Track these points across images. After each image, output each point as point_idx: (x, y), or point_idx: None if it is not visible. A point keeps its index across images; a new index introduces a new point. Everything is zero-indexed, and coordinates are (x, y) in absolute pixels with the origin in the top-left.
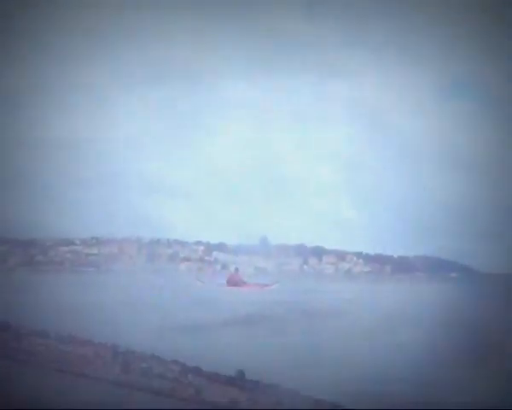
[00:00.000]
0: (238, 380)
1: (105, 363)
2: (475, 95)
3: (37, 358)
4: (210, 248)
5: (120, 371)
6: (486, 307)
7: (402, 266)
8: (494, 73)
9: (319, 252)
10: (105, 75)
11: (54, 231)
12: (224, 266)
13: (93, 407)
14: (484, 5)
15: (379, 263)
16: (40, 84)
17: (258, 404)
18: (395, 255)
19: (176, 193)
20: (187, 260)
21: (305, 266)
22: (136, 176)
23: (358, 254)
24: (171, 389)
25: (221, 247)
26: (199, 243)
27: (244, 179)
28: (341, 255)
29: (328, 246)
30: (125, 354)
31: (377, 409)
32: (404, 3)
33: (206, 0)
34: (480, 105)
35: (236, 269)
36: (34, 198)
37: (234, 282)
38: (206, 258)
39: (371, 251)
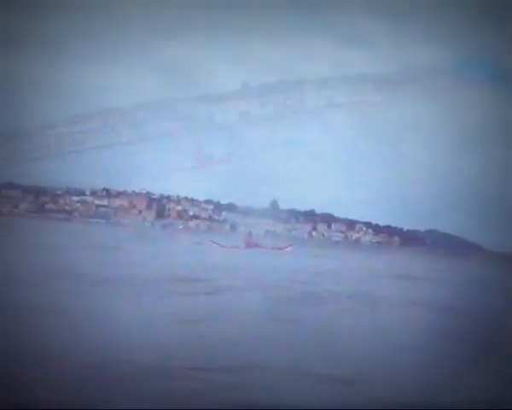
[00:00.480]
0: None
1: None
2: (487, 72)
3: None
4: (219, 207)
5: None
6: (489, 291)
7: (411, 239)
8: (503, 51)
9: (328, 219)
10: None
11: (65, 181)
12: (233, 227)
13: None
14: None
15: (388, 234)
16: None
17: None
18: (404, 228)
19: (187, 154)
20: (196, 217)
21: (314, 233)
22: (149, 133)
23: (368, 224)
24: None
25: (231, 207)
26: (209, 201)
27: (255, 142)
28: (351, 224)
29: (337, 214)
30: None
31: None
32: None
33: None
34: (490, 82)
35: (250, 233)
36: (46, 147)
37: (250, 244)
38: (216, 217)
39: (381, 222)
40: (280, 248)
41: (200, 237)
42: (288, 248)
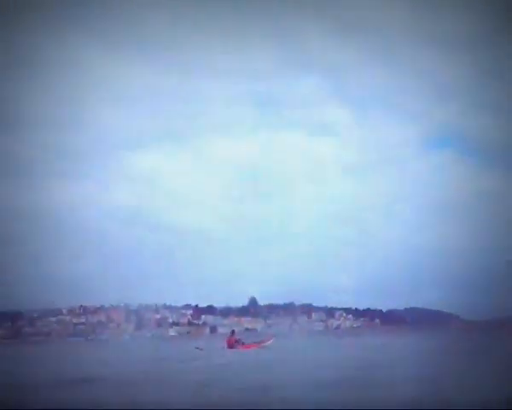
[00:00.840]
0: None
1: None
2: (458, 144)
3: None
4: (198, 311)
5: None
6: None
7: (391, 319)
8: (474, 124)
9: (308, 309)
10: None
11: (41, 302)
12: (213, 329)
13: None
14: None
15: (368, 317)
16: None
17: None
18: (384, 309)
19: (160, 256)
20: (175, 324)
21: (294, 325)
22: (122, 242)
23: (347, 310)
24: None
25: (210, 310)
26: (187, 306)
27: (230, 240)
28: (330, 312)
29: (316, 303)
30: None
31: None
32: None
33: None
34: (460, 156)
35: (233, 331)
36: (20, 268)
37: (232, 344)
38: (195, 321)
39: (360, 306)
40: (262, 342)
41: (181, 343)
42: (270, 342)
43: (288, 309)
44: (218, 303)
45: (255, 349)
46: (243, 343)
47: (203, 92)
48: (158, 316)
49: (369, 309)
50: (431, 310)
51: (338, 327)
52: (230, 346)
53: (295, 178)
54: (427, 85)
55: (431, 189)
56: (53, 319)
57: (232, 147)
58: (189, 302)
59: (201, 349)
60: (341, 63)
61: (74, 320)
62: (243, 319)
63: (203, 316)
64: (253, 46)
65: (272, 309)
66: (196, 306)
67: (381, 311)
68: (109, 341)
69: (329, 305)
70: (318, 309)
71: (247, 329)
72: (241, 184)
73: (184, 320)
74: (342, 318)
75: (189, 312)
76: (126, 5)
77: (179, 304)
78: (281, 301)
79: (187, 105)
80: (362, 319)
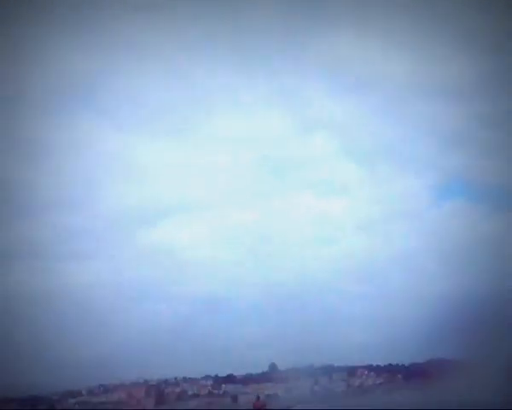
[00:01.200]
0: None
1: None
2: (468, 194)
3: None
4: (218, 381)
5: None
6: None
7: (413, 373)
8: (485, 170)
9: (329, 370)
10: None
11: (60, 385)
12: (235, 399)
13: None
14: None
15: (390, 373)
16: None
17: None
18: (406, 363)
19: (177, 328)
20: (196, 396)
21: (315, 387)
22: (136, 317)
23: (369, 367)
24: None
25: (230, 379)
26: (207, 377)
27: (247, 307)
28: (351, 371)
29: (337, 363)
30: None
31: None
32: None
33: None
34: (469, 202)
35: (258, 397)
36: (37, 353)
37: (259, 408)
38: (215, 391)
39: (381, 362)
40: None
41: None
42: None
43: (308, 372)
44: (238, 371)
45: None
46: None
47: (209, 162)
48: (178, 390)
49: (390, 365)
50: (452, 360)
51: (360, 386)
52: None
53: (307, 238)
54: (435, 135)
55: (445, 238)
56: (73, 400)
57: (244, 214)
58: (208, 373)
59: None
60: (347, 119)
61: (94, 400)
62: (263, 385)
63: (223, 385)
64: (256, 108)
65: (292, 373)
66: (216, 375)
67: (403, 365)
68: None
69: (350, 364)
70: (339, 369)
71: (268, 395)
72: (254, 250)
73: (205, 391)
74: (364, 375)
75: (209, 382)
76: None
77: (199, 376)
78: (300, 365)
79: (198, 175)
80: (384, 375)
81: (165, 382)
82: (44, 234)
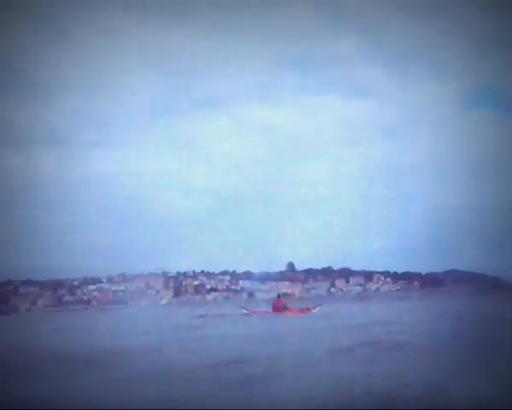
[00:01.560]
0: None
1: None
2: (496, 104)
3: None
4: (236, 277)
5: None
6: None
7: (430, 282)
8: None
9: (346, 274)
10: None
11: (81, 271)
12: (251, 294)
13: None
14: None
15: (407, 281)
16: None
17: None
18: (423, 272)
19: (197, 222)
20: (213, 290)
21: (332, 289)
22: (159, 209)
23: (386, 274)
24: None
25: (247, 275)
26: (225, 272)
27: (267, 204)
28: (369, 276)
29: (355, 267)
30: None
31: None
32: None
33: None
34: (497, 113)
35: (279, 295)
36: (61, 237)
37: (278, 308)
38: (233, 287)
39: (399, 269)
40: (308, 309)
41: (224, 307)
42: (317, 309)
43: (325, 273)
44: (256, 269)
45: (301, 316)
46: (290, 309)
47: (240, 54)
48: (196, 282)
49: (408, 272)
50: (472, 273)
51: (377, 291)
52: (277, 310)
53: (333, 140)
54: (466, 42)
55: (470, 148)
56: (92, 287)
57: (269, 111)
58: (226, 268)
59: (248, 312)
60: (378, 19)
61: (113, 288)
62: (281, 283)
63: (241, 281)
64: (289, 5)
65: (310, 274)
66: (234, 272)
67: (420, 274)
68: (148, 307)
69: (368, 269)
70: (356, 273)
71: (284, 294)
72: (279, 147)
73: (223, 286)
74: (381, 281)
75: (227, 277)
76: None
77: (217, 270)
78: (318, 266)
79: (224, 68)
80: (401, 282)
81: (184, 274)
82: (73, 122)
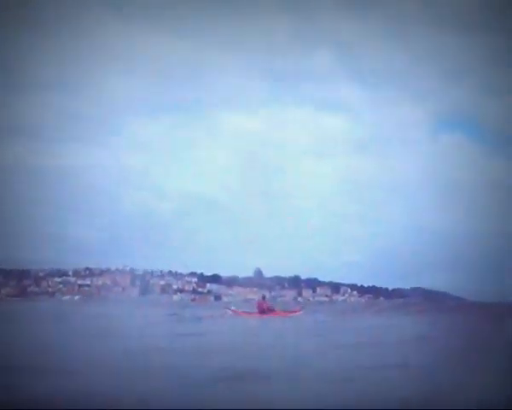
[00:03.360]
0: None
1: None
2: (467, 129)
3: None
4: (204, 279)
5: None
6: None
7: (396, 298)
8: (485, 109)
9: (313, 284)
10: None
11: (47, 262)
12: (218, 298)
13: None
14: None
15: (373, 294)
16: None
17: None
18: (390, 288)
19: (168, 223)
20: (180, 291)
21: (299, 298)
22: (129, 207)
23: (353, 286)
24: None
25: (215, 278)
26: (192, 274)
27: (238, 211)
28: (335, 287)
29: (322, 278)
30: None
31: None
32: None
33: None
34: (469, 138)
35: (263, 296)
36: (29, 228)
37: (263, 309)
38: (200, 289)
39: (366, 283)
40: (293, 311)
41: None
42: (300, 312)
43: (293, 282)
44: (224, 273)
45: (284, 317)
46: (275, 310)
47: (216, 61)
48: (163, 282)
49: (374, 286)
50: (437, 291)
51: (343, 302)
52: (261, 311)
53: (305, 152)
54: (439, 66)
55: (441, 171)
56: (58, 279)
57: (243, 119)
58: (194, 270)
59: (232, 311)
60: (355, 38)
61: (79, 282)
62: (248, 289)
63: (208, 284)
64: (265, 19)
65: (277, 281)
66: (202, 274)
67: (386, 289)
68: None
69: (335, 280)
70: (324, 284)
71: (249, 299)
72: (251, 156)
73: (189, 288)
74: (347, 294)
75: (194, 280)
76: None
77: (184, 272)
78: (286, 275)
79: (198, 76)
80: (367, 295)
81: (151, 273)
82: (45, 115)
